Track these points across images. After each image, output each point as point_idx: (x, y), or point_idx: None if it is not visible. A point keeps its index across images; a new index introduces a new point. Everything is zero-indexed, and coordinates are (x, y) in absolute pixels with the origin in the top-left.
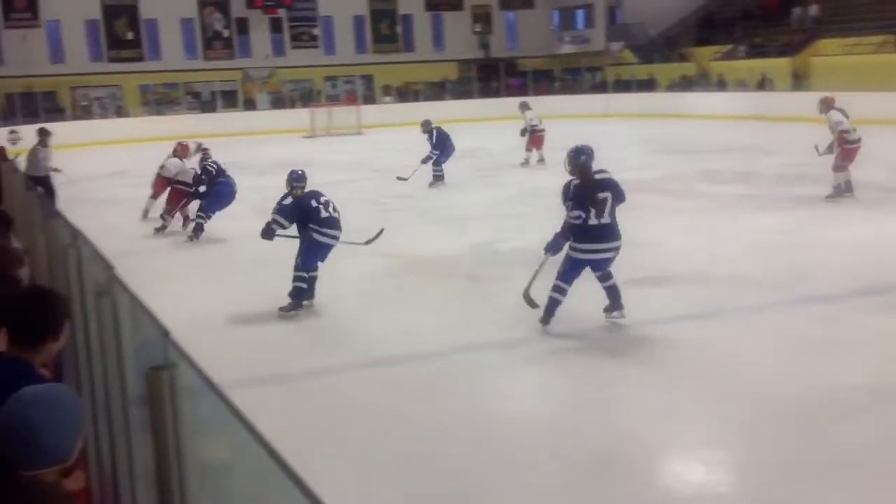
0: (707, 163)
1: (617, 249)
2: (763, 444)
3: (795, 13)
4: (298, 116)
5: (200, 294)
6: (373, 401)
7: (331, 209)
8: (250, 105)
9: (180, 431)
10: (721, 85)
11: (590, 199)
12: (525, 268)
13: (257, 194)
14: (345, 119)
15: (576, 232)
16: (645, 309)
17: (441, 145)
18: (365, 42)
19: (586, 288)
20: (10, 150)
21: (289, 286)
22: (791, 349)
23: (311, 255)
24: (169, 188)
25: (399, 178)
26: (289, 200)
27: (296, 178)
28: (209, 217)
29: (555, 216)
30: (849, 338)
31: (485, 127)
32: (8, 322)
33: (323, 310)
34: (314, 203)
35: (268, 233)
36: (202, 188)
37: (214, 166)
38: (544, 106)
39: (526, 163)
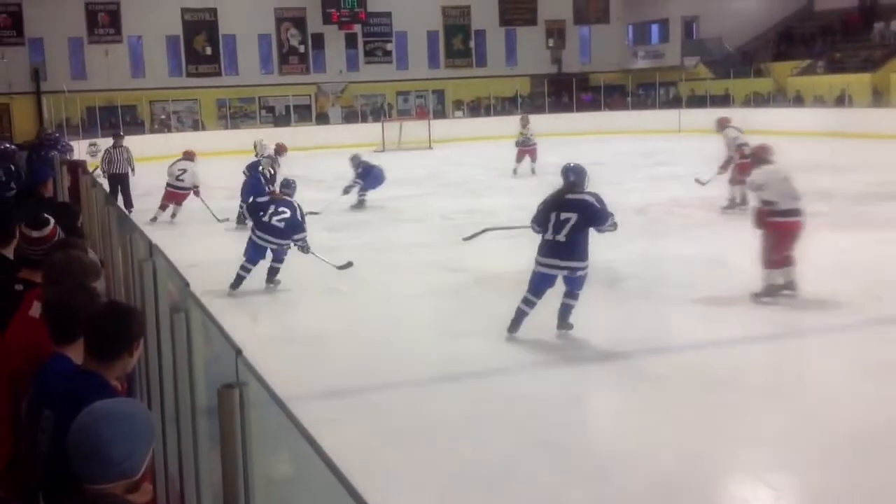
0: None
1: (570, 269)
2: (832, 469)
3: (877, 28)
4: (370, 130)
5: (272, 307)
6: (440, 418)
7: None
8: (323, 119)
9: (248, 448)
10: (798, 101)
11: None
12: (592, 283)
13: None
14: (415, 133)
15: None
16: (714, 330)
17: (365, 176)
18: (438, 57)
19: (665, 306)
20: (91, 163)
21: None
22: (864, 373)
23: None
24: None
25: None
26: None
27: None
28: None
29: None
30: None
31: (556, 142)
32: (85, 336)
33: (391, 325)
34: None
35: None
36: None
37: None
38: (617, 121)
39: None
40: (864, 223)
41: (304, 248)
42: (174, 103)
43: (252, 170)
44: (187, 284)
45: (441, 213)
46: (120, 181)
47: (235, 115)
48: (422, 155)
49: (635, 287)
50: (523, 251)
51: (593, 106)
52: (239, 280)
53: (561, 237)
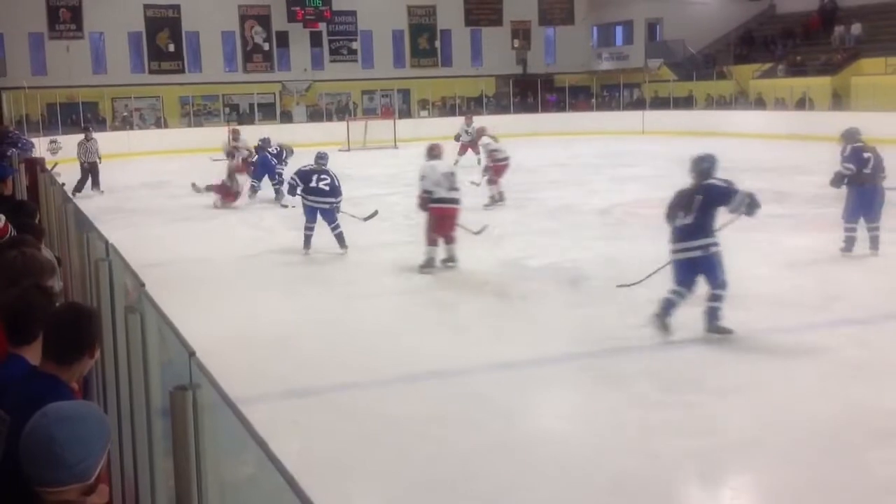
0: (743, 182)
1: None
2: (792, 468)
3: (837, 32)
4: (335, 129)
5: (234, 307)
6: (403, 418)
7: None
8: (287, 117)
9: (201, 451)
10: (760, 103)
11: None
12: (555, 284)
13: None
14: (381, 133)
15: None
16: (680, 329)
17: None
18: (403, 56)
19: (623, 306)
20: (49, 161)
21: (327, 301)
22: (824, 372)
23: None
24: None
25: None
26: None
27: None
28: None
29: (587, 232)
30: (883, 361)
31: (520, 142)
32: (44, 338)
33: (353, 325)
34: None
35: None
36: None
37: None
38: (581, 122)
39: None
40: (823, 224)
41: (338, 209)
42: (136, 100)
43: (259, 151)
44: (143, 285)
45: (405, 213)
46: (92, 170)
47: (199, 112)
48: (387, 154)
49: (598, 287)
50: (483, 252)
51: (558, 107)
52: (307, 239)
53: (689, 219)
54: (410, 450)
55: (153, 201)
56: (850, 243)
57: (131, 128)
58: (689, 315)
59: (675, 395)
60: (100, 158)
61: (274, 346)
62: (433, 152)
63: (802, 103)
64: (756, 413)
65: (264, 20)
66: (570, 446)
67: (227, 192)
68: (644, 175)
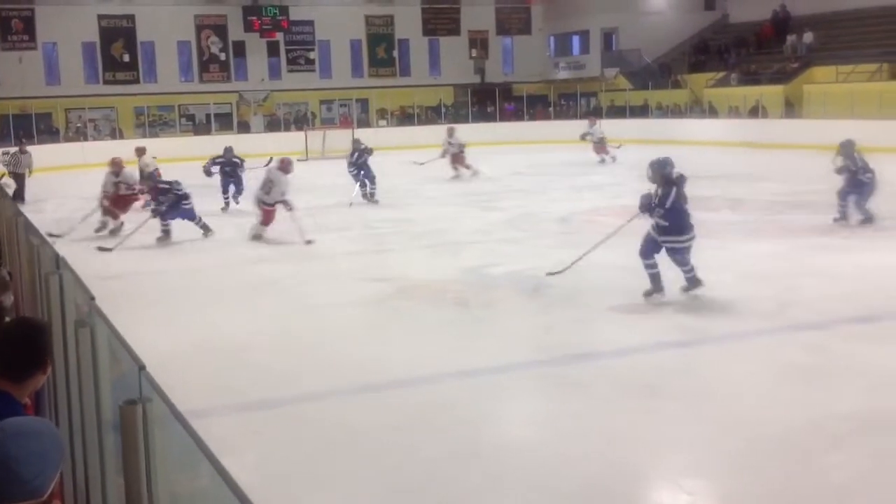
0: (698, 189)
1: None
2: (749, 473)
3: (789, 41)
4: (293, 139)
5: (190, 318)
6: (363, 427)
7: None
8: (244, 127)
9: (152, 465)
10: (713, 112)
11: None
12: (516, 292)
13: (249, 218)
14: (339, 142)
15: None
16: (633, 335)
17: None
18: (361, 66)
19: (583, 313)
20: (3, 172)
21: (285, 311)
22: (779, 377)
23: None
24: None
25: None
26: None
27: None
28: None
29: (547, 240)
30: (837, 366)
31: (479, 151)
32: None
33: (314, 335)
34: None
35: None
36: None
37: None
38: (539, 131)
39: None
40: (776, 231)
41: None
42: (91, 111)
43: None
44: (92, 298)
45: (364, 222)
46: (18, 181)
47: (154, 123)
48: (346, 163)
49: (556, 294)
50: (444, 260)
51: (516, 116)
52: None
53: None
54: (374, 459)
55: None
56: (843, 214)
57: (85, 139)
58: (647, 320)
59: (635, 401)
60: (29, 172)
61: (232, 358)
62: (286, 166)
63: (756, 111)
64: (712, 418)
65: (221, 30)
66: (535, 453)
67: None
68: (601, 183)
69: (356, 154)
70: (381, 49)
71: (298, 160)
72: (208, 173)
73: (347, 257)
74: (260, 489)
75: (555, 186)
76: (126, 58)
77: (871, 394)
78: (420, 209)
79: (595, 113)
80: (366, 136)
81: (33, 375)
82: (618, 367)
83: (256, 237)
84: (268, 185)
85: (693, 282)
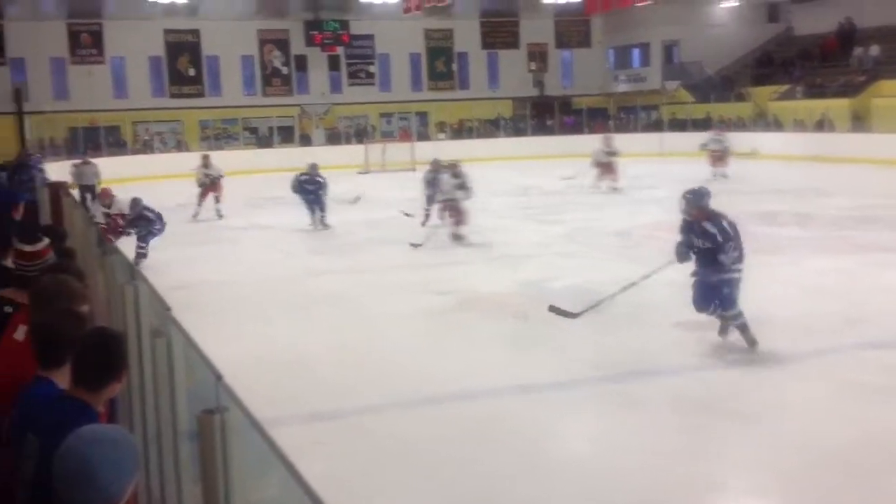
0: (763, 204)
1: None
2: (812, 493)
3: (856, 53)
4: (353, 152)
5: (254, 328)
6: (420, 439)
7: None
8: (306, 140)
9: (230, 474)
10: (778, 125)
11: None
12: (576, 304)
13: (311, 231)
14: (398, 155)
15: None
16: (694, 352)
17: None
18: (420, 79)
19: (643, 329)
20: (72, 184)
21: (346, 323)
22: (846, 396)
23: None
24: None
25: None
26: None
27: None
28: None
29: (605, 255)
30: None
31: (538, 165)
32: (73, 364)
33: (373, 346)
34: None
35: None
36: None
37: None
38: (599, 144)
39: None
40: (843, 246)
41: None
42: (157, 124)
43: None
44: (168, 309)
45: (426, 235)
46: (88, 191)
47: (218, 136)
48: (405, 177)
49: (617, 311)
50: (505, 272)
51: (575, 129)
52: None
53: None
54: (431, 471)
55: (174, 224)
56: None
57: (152, 151)
58: (703, 338)
59: (696, 420)
60: (98, 183)
61: (293, 369)
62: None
63: (821, 125)
64: (774, 437)
65: (283, 44)
66: (592, 469)
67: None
68: (662, 197)
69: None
70: (440, 62)
71: (358, 173)
72: (296, 191)
73: (409, 270)
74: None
75: (615, 200)
76: (191, 72)
77: None
78: (480, 221)
79: (656, 126)
80: (424, 149)
81: (109, 384)
82: (677, 384)
83: (459, 238)
84: (436, 186)
85: (746, 331)
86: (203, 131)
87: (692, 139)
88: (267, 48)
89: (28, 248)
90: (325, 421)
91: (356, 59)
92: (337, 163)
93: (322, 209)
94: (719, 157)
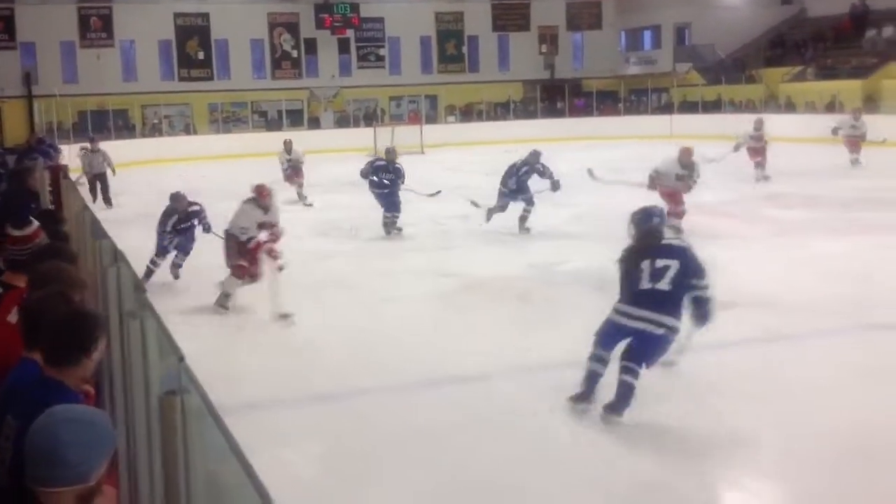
0: (773, 186)
1: (663, 325)
2: (824, 474)
3: (869, 35)
4: (362, 135)
5: (258, 313)
6: (425, 425)
7: None
8: (315, 124)
9: (190, 456)
10: (790, 107)
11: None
12: (583, 287)
13: (319, 213)
14: (408, 138)
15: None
16: (711, 332)
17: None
18: (430, 62)
19: None
20: (73, 169)
21: (351, 306)
22: (857, 378)
23: None
24: None
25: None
26: None
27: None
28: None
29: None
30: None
31: (548, 147)
32: (43, 342)
33: (379, 330)
34: None
35: None
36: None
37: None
38: (609, 127)
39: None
40: (855, 228)
41: None
42: (166, 107)
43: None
44: (144, 291)
45: (432, 218)
46: (100, 181)
47: (227, 119)
48: (414, 160)
49: None
50: (511, 257)
51: (586, 111)
52: None
53: (664, 285)
54: (437, 455)
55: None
56: None
57: (160, 134)
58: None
59: (701, 400)
60: (113, 171)
61: (297, 351)
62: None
63: (832, 107)
64: (785, 419)
65: (293, 27)
66: (594, 452)
67: None
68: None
69: (524, 169)
70: (450, 45)
71: (367, 156)
72: (366, 177)
73: (414, 253)
74: (317, 481)
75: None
76: (201, 55)
77: None
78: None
79: (667, 109)
80: (434, 132)
81: (79, 361)
82: (686, 365)
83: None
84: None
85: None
86: (212, 114)
87: (702, 122)
88: (277, 31)
89: (17, 233)
90: (328, 404)
91: (366, 42)
92: (345, 146)
93: (396, 208)
94: (855, 140)
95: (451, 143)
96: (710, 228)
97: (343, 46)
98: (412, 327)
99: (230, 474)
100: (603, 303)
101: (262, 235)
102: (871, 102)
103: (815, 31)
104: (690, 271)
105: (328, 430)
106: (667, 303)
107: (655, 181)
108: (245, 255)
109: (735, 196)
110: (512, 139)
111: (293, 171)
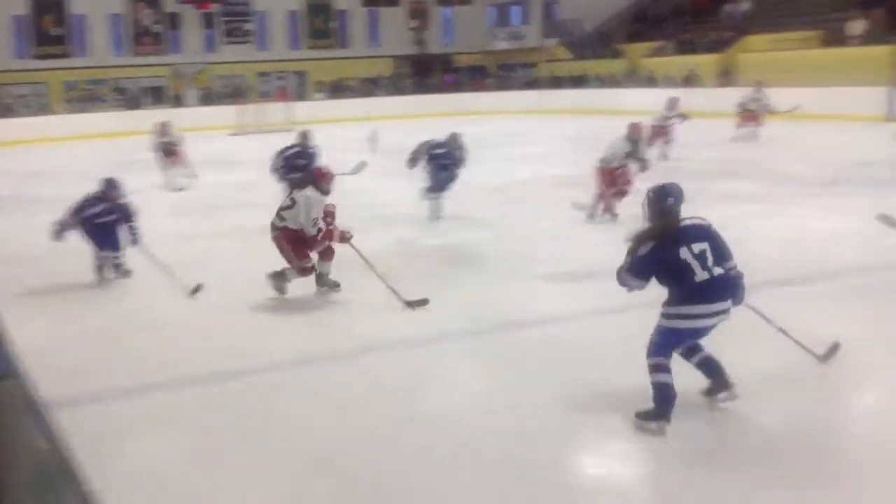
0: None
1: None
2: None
3: (725, 10)
4: (227, 113)
5: (119, 295)
6: (294, 401)
7: None
8: (178, 101)
9: (7, 445)
10: (651, 81)
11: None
12: (448, 265)
13: (180, 193)
14: (275, 116)
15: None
16: (578, 302)
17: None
18: (299, 37)
19: (518, 283)
20: None
21: (177, 295)
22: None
23: None
24: None
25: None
26: None
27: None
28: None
29: (481, 211)
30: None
31: (418, 123)
32: None
33: (233, 312)
34: None
35: None
36: None
37: None
38: (478, 102)
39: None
40: (709, 199)
41: None
42: (21, 87)
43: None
44: None
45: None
46: None
47: (84, 98)
48: (283, 138)
49: (493, 265)
50: (378, 232)
51: (456, 87)
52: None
53: (717, 269)
54: (302, 433)
55: (39, 190)
56: None
57: (14, 115)
58: (580, 288)
59: (574, 370)
60: None
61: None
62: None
63: (690, 80)
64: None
65: (154, 1)
66: (445, 425)
67: None
68: (538, 153)
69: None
70: (319, 20)
71: (230, 135)
72: (278, 171)
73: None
74: (179, 466)
75: (491, 157)
76: (57, 31)
77: (777, 356)
78: (356, 180)
79: (534, 84)
80: (303, 109)
81: None
82: (555, 336)
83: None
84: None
85: None
86: (68, 93)
87: (568, 96)
88: (138, 6)
89: None
90: (168, 391)
91: (232, 16)
92: (210, 124)
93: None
94: (751, 114)
95: (321, 120)
96: (567, 198)
97: (208, 21)
98: (271, 307)
99: (55, 465)
100: (474, 274)
101: (322, 223)
102: (727, 76)
103: (675, 5)
104: (719, 252)
105: (181, 415)
106: (728, 286)
107: (605, 170)
108: (314, 247)
109: None
110: (382, 116)
111: (172, 154)
